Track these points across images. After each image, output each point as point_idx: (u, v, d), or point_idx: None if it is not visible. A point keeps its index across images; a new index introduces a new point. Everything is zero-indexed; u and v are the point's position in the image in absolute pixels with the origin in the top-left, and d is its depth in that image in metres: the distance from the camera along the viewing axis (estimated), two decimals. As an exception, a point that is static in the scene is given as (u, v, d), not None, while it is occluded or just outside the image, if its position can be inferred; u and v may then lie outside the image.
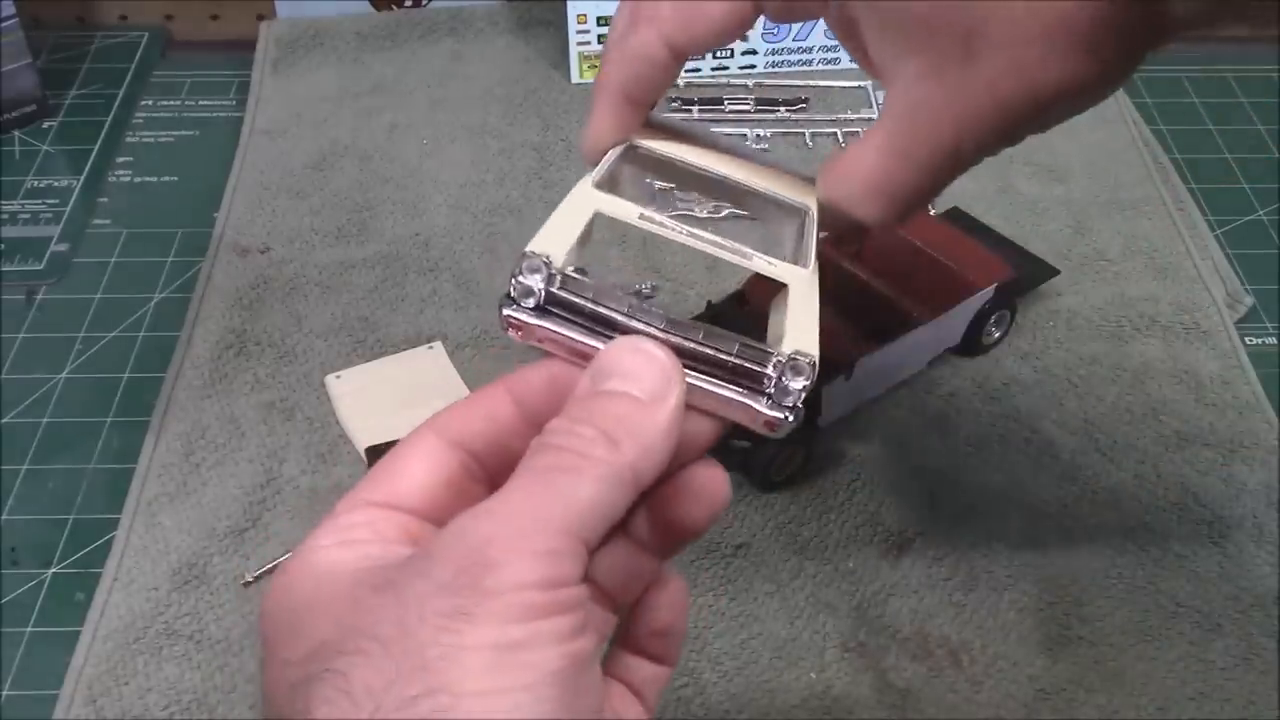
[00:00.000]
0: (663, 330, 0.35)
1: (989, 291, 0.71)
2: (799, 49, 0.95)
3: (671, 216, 0.38)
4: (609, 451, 0.31)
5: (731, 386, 0.35)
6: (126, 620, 0.60)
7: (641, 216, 0.38)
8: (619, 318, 0.35)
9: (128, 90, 0.96)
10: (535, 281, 0.36)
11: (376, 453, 0.67)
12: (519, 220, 0.83)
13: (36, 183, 0.88)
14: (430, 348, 0.74)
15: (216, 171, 0.87)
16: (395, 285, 0.78)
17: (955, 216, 0.80)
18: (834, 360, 0.66)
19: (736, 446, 0.65)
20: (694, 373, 0.35)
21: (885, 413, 0.70)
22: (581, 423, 0.32)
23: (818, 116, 0.92)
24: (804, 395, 0.35)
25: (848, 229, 0.41)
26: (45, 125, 0.92)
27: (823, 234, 0.41)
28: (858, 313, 0.71)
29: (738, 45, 0.94)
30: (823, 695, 0.58)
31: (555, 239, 0.37)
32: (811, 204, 0.42)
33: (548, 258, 0.36)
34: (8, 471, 0.69)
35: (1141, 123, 0.92)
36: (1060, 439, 0.69)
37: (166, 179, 0.88)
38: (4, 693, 0.59)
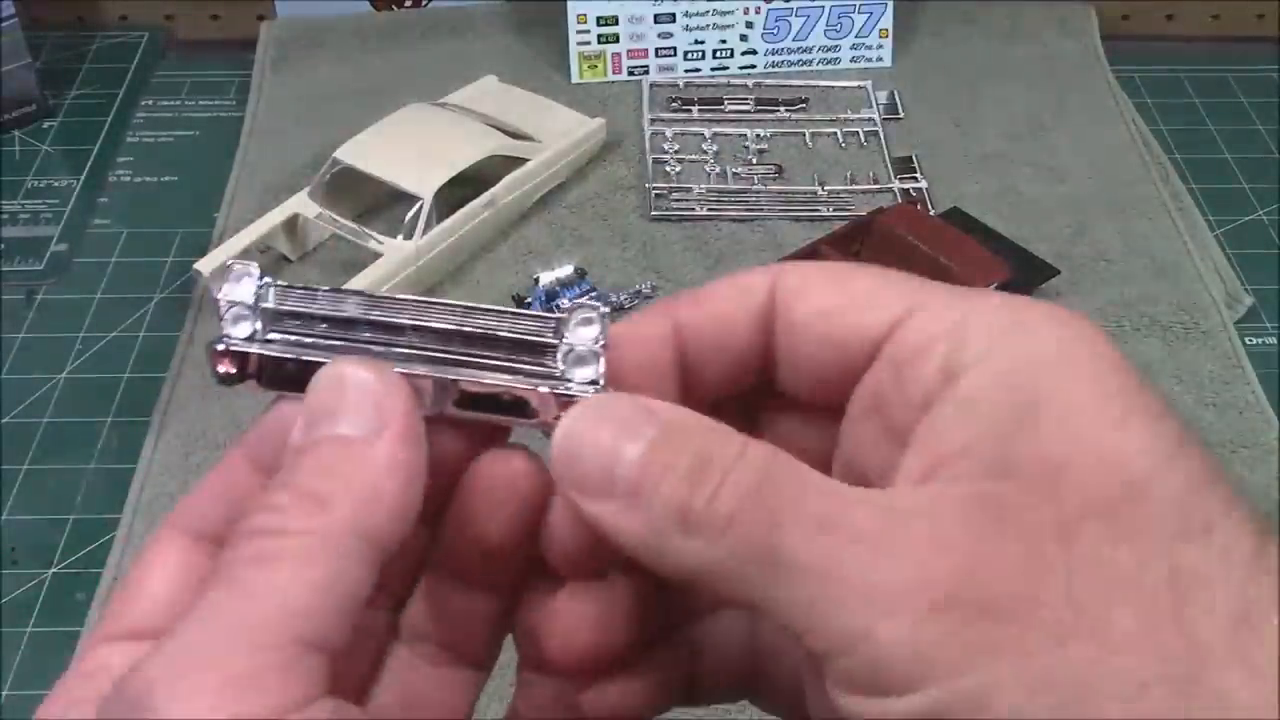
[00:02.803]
0: (410, 318, 0.28)
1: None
2: (799, 49, 0.95)
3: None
4: (312, 517, 0.24)
5: (512, 372, 0.28)
6: (126, 620, 0.60)
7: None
8: (357, 314, 0.28)
9: (128, 90, 0.96)
10: (246, 288, 0.28)
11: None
12: (518, 220, 0.83)
13: (36, 183, 0.88)
14: (430, 348, 0.74)
15: (216, 171, 0.87)
16: (395, 285, 0.78)
17: (955, 216, 0.80)
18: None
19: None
20: (460, 366, 0.28)
21: (885, 413, 0.70)
22: (279, 489, 0.25)
23: (818, 116, 0.92)
24: (602, 356, 0.28)
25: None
26: (45, 125, 0.92)
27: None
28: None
29: (738, 45, 0.94)
30: (823, 695, 0.58)
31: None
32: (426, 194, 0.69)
33: (253, 265, 0.29)
34: (8, 471, 0.68)
35: (1141, 123, 0.92)
36: (1060, 439, 0.69)
37: (166, 179, 0.88)
38: (4, 693, 0.59)
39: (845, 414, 0.28)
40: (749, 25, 0.94)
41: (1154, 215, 0.84)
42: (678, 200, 0.84)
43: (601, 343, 0.28)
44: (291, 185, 0.81)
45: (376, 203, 0.79)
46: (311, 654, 0.23)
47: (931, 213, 0.81)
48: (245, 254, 0.75)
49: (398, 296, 0.29)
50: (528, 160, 0.82)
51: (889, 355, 0.27)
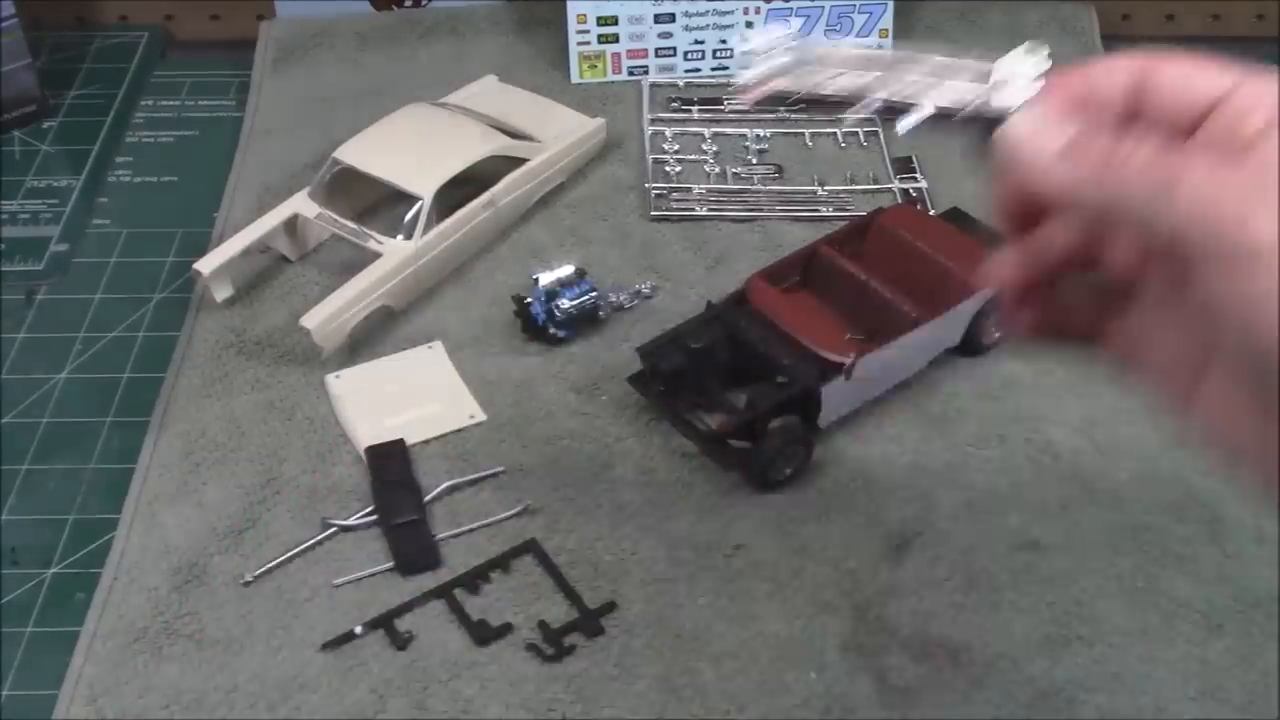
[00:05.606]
0: (882, 68, 0.39)
1: (989, 291, 0.71)
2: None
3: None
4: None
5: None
6: (126, 620, 0.60)
7: None
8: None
9: (128, 90, 0.96)
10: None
11: (376, 453, 0.67)
12: (518, 220, 0.83)
13: (36, 183, 0.88)
14: (430, 347, 0.74)
15: (216, 171, 0.87)
16: (395, 285, 0.78)
17: (955, 216, 0.80)
18: (834, 360, 0.66)
19: (736, 446, 0.65)
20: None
21: (885, 413, 0.70)
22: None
23: (818, 116, 0.92)
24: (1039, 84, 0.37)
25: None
26: (45, 125, 0.92)
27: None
28: (858, 313, 0.71)
29: (737, 45, 0.94)
30: (823, 695, 0.58)
31: None
32: (426, 194, 0.72)
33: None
34: (8, 471, 0.69)
35: (1141, 123, 0.92)
36: (1060, 439, 0.69)
37: (166, 179, 0.88)
38: (4, 693, 0.59)
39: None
40: (749, 25, 0.94)
41: (1154, 215, 0.84)
42: (678, 200, 0.84)
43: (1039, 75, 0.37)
44: (291, 185, 0.82)
45: (376, 203, 0.79)
46: None
47: (931, 213, 0.81)
48: (245, 254, 0.75)
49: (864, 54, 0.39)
50: (528, 160, 0.82)
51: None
